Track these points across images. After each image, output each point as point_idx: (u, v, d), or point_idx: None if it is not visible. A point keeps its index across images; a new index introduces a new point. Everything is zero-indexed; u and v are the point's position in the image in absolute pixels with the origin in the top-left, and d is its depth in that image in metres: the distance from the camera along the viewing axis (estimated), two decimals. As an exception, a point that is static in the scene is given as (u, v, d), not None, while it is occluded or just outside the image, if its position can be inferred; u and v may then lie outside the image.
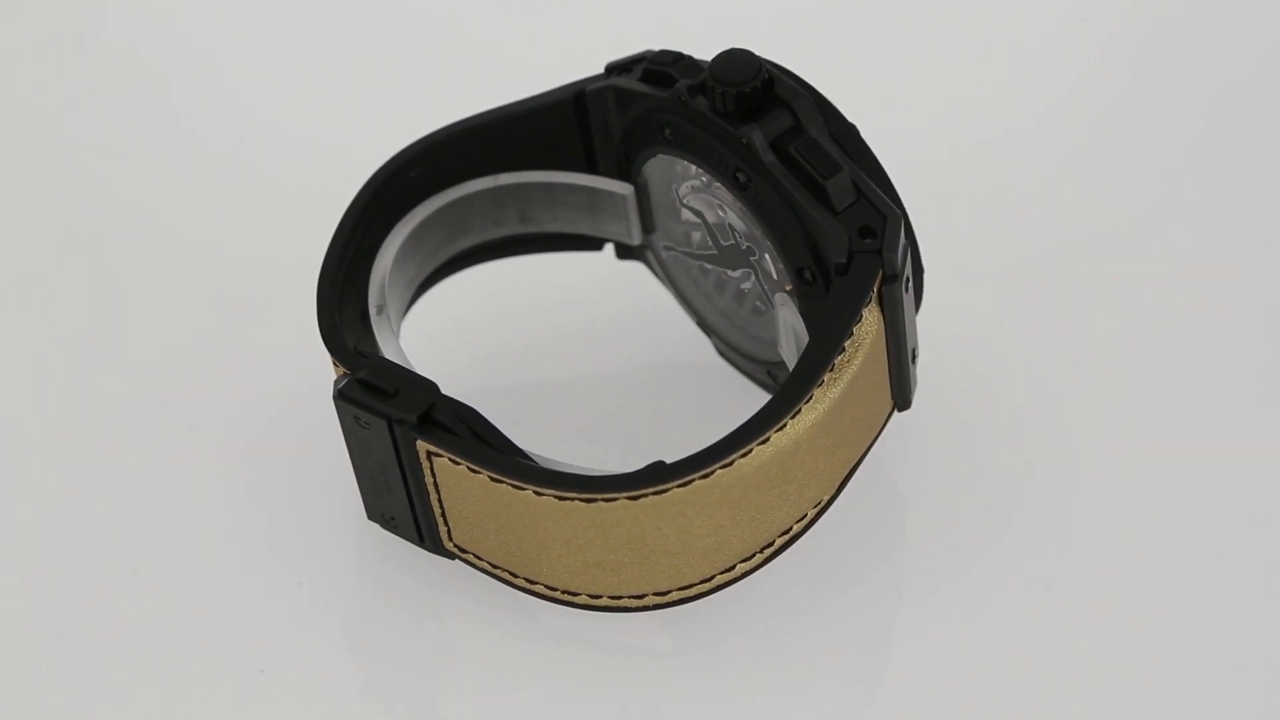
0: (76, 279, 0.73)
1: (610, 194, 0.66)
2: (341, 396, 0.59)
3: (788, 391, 0.58)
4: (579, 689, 0.60)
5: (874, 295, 0.59)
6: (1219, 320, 0.69)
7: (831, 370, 0.58)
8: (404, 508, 0.61)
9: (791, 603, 0.62)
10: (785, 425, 0.58)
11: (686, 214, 0.65)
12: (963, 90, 0.79)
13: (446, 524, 0.61)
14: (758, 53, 0.61)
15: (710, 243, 0.65)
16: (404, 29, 0.83)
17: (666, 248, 0.67)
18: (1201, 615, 0.61)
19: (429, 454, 0.59)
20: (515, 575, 0.61)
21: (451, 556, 0.62)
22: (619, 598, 0.60)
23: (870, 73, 0.79)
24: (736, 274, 0.65)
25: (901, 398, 0.62)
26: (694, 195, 0.64)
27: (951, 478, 0.65)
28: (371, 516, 0.62)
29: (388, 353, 0.62)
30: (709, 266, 0.66)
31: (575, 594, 0.60)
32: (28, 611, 0.62)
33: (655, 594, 0.59)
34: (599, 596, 0.60)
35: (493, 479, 0.58)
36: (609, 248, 0.69)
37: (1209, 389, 0.67)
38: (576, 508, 0.57)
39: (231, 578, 0.63)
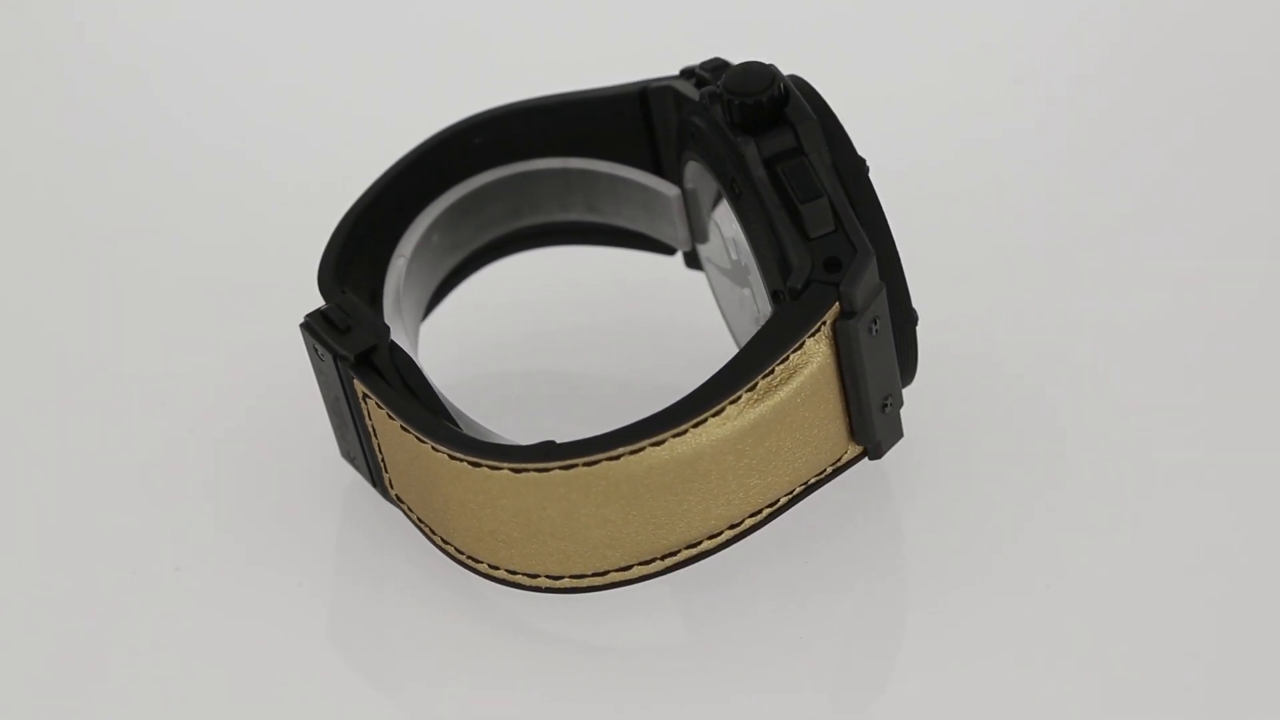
0: (76, 278, 0.75)
1: (660, 194, 0.66)
2: (303, 326, 0.62)
3: (692, 399, 0.57)
4: (575, 688, 0.60)
5: (824, 327, 0.58)
6: (1219, 321, 0.69)
7: (752, 390, 0.57)
8: (358, 447, 0.63)
9: (789, 603, 0.61)
10: (685, 432, 0.57)
11: (713, 224, 0.65)
12: (961, 91, 0.78)
13: (387, 471, 0.62)
14: (761, 57, 0.61)
15: (726, 257, 0.65)
16: (405, 29, 0.84)
17: (708, 259, 0.67)
18: (1201, 615, 0.60)
19: (363, 395, 0.61)
20: (434, 533, 0.62)
21: (395, 504, 0.63)
22: (515, 573, 0.60)
23: (869, 73, 0.78)
24: (746, 293, 0.65)
25: (869, 444, 0.60)
26: (720, 206, 0.64)
27: (950, 477, 0.64)
28: (342, 454, 0.64)
29: (388, 298, 0.64)
30: (731, 283, 0.66)
31: (478, 561, 0.60)
32: (27, 610, 0.63)
33: (548, 577, 0.60)
34: (497, 568, 0.60)
35: (403, 428, 0.59)
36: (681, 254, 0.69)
37: (1209, 390, 0.66)
38: (465, 470, 0.58)
39: (232, 578, 0.64)
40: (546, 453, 0.57)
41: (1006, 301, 0.70)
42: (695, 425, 0.57)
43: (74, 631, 0.62)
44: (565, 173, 0.67)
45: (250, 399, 0.69)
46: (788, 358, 0.57)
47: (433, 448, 0.58)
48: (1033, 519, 0.63)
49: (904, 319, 0.60)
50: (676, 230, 0.67)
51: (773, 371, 0.57)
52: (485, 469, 0.58)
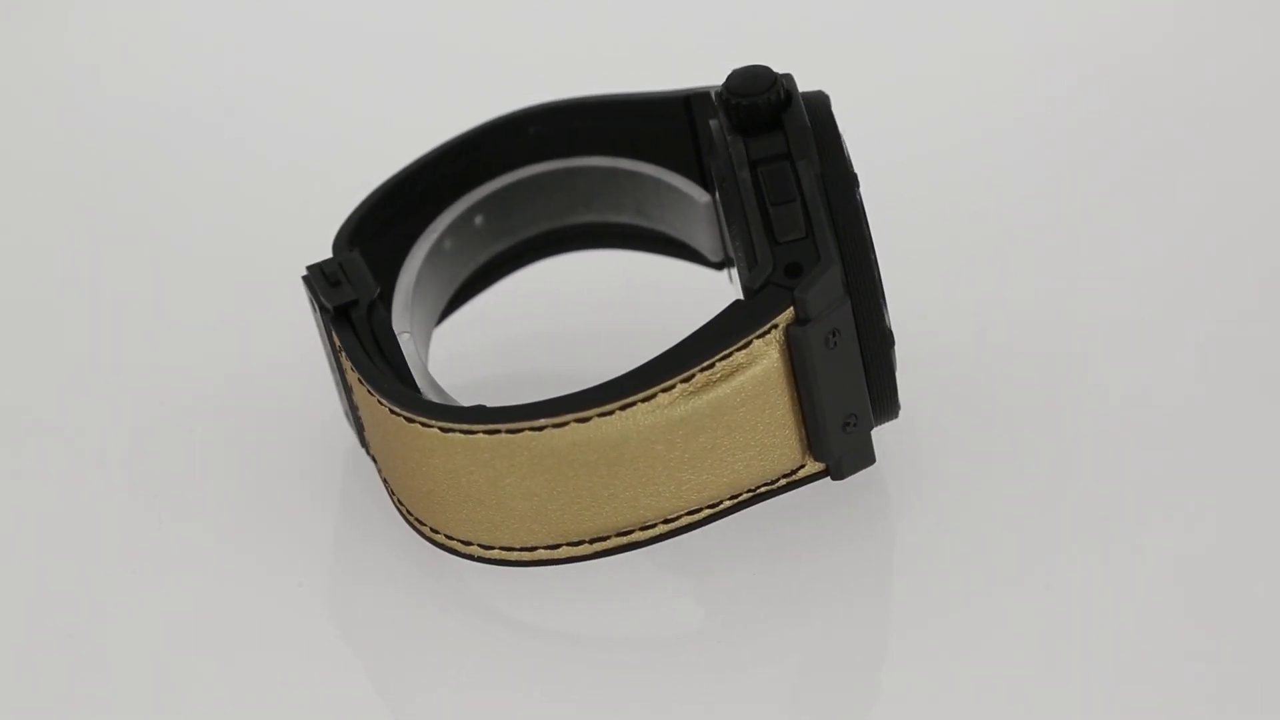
0: (75, 278, 0.77)
1: (693, 200, 0.66)
2: (304, 279, 0.63)
3: (622, 380, 0.57)
4: (575, 687, 0.60)
5: (776, 331, 0.57)
6: (1214, 322, 0.69)
7: (687, 381, 0.57)
8: (347, 402, 0.64)
9: (780, 607, 0.61)
10: (612, 413, 0.57)
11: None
12: (957, 92, 0.79)
13: (364, 428, 0.63)
14: (794, 63, 0.61)
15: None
16: (412, 36, 0.86)
17: (731, 272, 0.67)
18: (1201, 615, 0.59)
19: (338, 349, 0.62)
20: (393, 492, 0.62)
21: (373, 461, 0.64)
22: (451, 538, 0.60)
23: (866, 75, 0.79)
24: None
25: (829, 462, 0.59)
26: None
27: (952, 489, 0.63)
28: (344, 412, 0.66)
29: (406, 268, 0.65)
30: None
31: (421, 523, 0.61)
32: (25, 610, 0.63)
33: (480, 545, 0.60)
34: (437, 532, 0.61)
35: (360, 380, 0.61)
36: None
37: (1205, 390, 0.66)
38: (402, 425, 0.59)
39: (231, 577, 0.64)
40: (474, 415, 0.58)
41: (1003, 299, 0.69)
42: (623, 407, 0.57)
43: (73, 631, 0.62)
44: (615, 172, 0.67)
45: (247, 392, 0.70)
46: (730, 354, 0.57)
47: (378, 401, 0.60)
48: (1034, 533, 0.62)
49: (876, 339, 0.58)
50: (709, 239, 0.66)
51: (712, 366, 0.57)
52: (418, 425, 0.58)
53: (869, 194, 0.59)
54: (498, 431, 0.57)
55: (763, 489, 0.59)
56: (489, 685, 0.60)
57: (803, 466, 0.59)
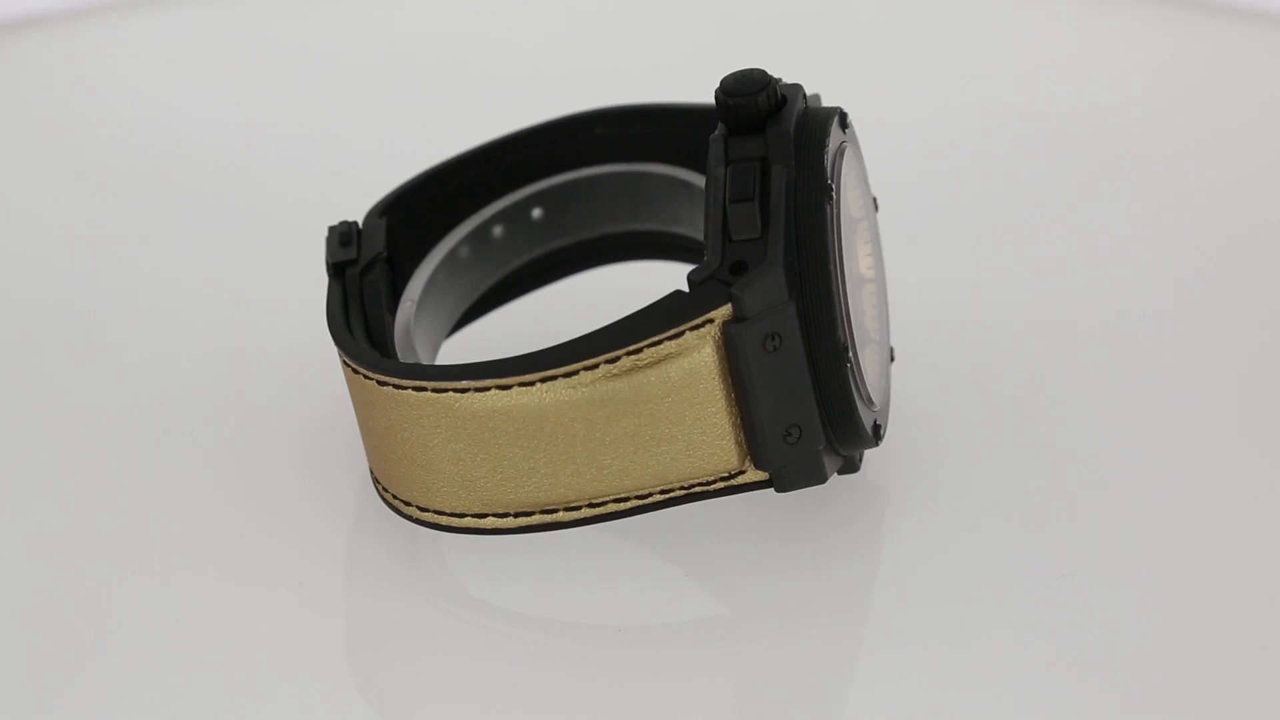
0: (74, 282, 0.79)
1: None
2: (326, 239, 0.66)
3: (545, 353, 0.57)
4: (572, 690, 0.60)
5: (711, 326, 0.57)
6: (1207, 322, 0.69)
7: (612, 363, 0.57)
8: None
9: (770, 616, 0.60)
10: (533, 384, 0.57)
11: None
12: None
13: None
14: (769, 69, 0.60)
15: None
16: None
17: None
18: (1200, 618, 0.58)
19: None
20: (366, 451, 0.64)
21: None
22: (396, 497, 0.61)
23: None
24: None
25: (770, 471, 0.58)
26: None
27: (938, 476, 0.63)
28: None
29: (441, 244, 0.67)
30: None
31: (377, 480, 0.62)
32: (26, 612, 0.64)
33: (418, 507, 0.60)
34: (387, 490, 0.62)
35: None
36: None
37: (1203, 392, 0.66)
38: (350, 375, 0.61)
39: (230, 578, 0.64)
40: (403, 370, 0.59)
41: (997, 300, 0.69)
42: (544, 380, 0.57)
43: (73, 631, 0.62)
44: (676, 182, 0.67)
45: (245, 386, 0.71)
46: (660, 342, 0.56)
47: (339, 352, 0.61)
48: (1025, 522, 0.61)
49: (826, 350, 0.57)
50: None
51: (639, 351, 0.57)
52: (360, 377, 0.60)
53: (892, 205, 0.59)
54: (424, 389, 0.58)
55: (697, 488, 0.58)
56: (486, 683, 0.60)
57: (743, 472, 0.58)
